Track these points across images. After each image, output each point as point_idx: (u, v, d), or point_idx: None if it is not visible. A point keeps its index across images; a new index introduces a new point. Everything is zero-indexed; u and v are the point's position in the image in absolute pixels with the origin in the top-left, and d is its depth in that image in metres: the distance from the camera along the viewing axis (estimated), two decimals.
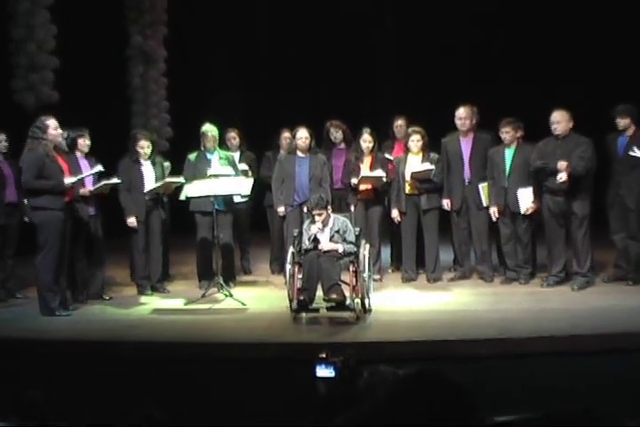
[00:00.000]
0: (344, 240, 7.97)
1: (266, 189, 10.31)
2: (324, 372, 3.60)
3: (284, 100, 14.70)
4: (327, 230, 8.00)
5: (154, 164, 9.47)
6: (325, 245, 7.91)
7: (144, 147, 9.28)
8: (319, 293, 7.70)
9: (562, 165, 8.67)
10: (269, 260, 10.75)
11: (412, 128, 9.74)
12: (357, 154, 9.74)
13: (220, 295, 8.82)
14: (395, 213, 9.63)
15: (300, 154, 9.67)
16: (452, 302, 8.45)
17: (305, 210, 8.44)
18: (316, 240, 7.93)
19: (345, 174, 9.75)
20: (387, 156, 9.99)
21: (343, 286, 7.76)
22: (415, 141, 9.61)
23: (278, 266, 10.32)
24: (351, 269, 7.81)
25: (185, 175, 9.47)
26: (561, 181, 8.68)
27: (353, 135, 10.04)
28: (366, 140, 9.66)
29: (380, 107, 13.71)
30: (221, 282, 8.85)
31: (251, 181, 9.25)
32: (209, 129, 9.59)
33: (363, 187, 9.59)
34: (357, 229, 8.20)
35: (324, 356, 3.66)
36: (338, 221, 8.08)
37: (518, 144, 9.29)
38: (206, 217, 9.35)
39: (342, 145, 10.17)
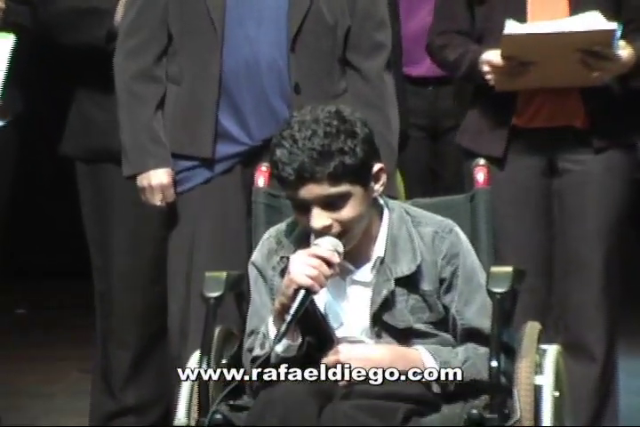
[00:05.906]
0: (444, 326, 2.26)
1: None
2: None
3: None
4: (363, 278, 2.23)
5: None
6: (359, 349, 2.16)
7: None
8: None
9: None
10: (91, 403, 3.43)
11: None
12: None
13: None
14: None
15: None
16: None
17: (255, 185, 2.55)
18: (314, 325, 2.20)
19: (440, 11, 3.13)
20: None
21: None
22: None
23: None
24: None
25: None
26: None
27: None
28: None
29: None
30: None
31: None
32: None
33: (535, 80, 2.91)
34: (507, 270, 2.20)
35: None
36: (420, 231, 2.26)
37: None
38: None
39: None
